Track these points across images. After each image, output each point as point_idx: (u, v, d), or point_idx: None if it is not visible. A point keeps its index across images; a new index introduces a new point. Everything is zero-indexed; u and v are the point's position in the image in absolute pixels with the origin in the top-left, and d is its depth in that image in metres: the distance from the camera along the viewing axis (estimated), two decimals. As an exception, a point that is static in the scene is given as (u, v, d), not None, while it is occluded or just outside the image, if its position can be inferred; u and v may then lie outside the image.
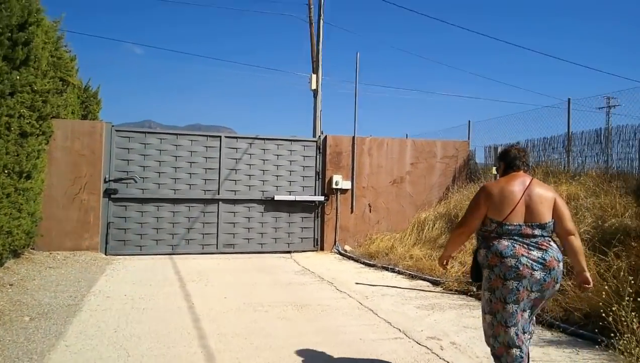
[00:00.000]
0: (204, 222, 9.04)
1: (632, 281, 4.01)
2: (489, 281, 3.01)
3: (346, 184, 9.98)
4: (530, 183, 3.04)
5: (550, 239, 3.00)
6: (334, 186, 9.85)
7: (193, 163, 9.04)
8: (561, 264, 2.97)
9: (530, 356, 3.11)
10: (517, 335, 2.92)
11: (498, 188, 3.05)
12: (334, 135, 10.14)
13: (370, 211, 10.21)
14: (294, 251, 9.58)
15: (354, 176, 10.10)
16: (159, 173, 8.79)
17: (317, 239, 9.84)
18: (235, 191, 9.28)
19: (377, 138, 10.44)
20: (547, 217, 2.96)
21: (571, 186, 7.34)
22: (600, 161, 7.72)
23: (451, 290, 6.25)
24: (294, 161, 9.77)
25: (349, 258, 8.95)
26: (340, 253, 9.47)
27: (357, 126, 10.37)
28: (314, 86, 15.43)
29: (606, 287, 4.54)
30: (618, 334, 3.15)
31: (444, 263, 3.46)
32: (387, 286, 6.59)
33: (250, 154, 9.46)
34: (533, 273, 2.87)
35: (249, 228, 9.32)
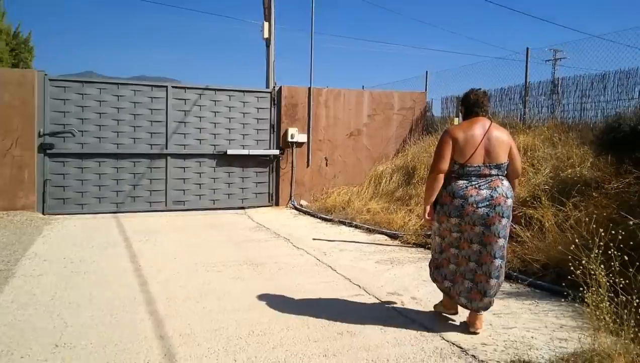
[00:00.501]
0: (151, 178, 8.52)
1: (598, 232, 3.99)
2: (438, 215, 3.42)
3: (302, 138, 9.64)
4: (489, 126, 3.28)
5: (503, 178, 3.32)
6: (289, 139, 9.49)
7: (137, 115, 8.40)
8: (509, 200, 3.27)
9: (492, 303, 3.39)
10: (452, 257, 3.43)
11: (461, 132, 3.28)
12: (289, 86, 9.69)
13: (326, 165, 9.96)
14: (249, 207, 9.27)
15: (310, 129, 9.75)
16: (100, 126, 8.12)
17: (272, 194, 9.54)
18: (184, 145, 8.75)
19: (334, 89, 10.07)
20: (503, 158, 3.28)
21: (527, 137, 7.33)
22: (557, 112, 7.72)
23: (409, 244, 6.18)
24: (248, 113, 9.29)
25: (305, 213, 8.74)
26: (296, 208, 9.24)
27: (313, 77, 9.93)
28: (266, 35, 14.68)
29: (570, 238, 4.55)
30: (584, 287, 3.09)
31: (429, 214, 3.51)
32: (345, 241, 6.43)
33: (200, 106, 8.89)
34: (476, 210, 3.21)
35: (200, 184, 8.89)
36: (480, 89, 3.48)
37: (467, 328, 3.39)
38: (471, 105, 3.39)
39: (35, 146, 7.73)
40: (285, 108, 9.58)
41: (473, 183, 3.24)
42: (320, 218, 8.16)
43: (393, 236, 6.52)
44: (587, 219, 4.89)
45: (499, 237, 3.25)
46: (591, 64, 7.70)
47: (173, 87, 8.72)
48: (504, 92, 8.96)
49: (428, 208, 3.47)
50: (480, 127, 3.27)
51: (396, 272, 4.98)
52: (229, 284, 4.52)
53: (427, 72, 11.03)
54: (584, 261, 2.97)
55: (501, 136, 3.30)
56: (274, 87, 9.68)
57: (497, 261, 3.27)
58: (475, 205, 3.20)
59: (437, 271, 3.60)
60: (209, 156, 8.92)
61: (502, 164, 3.27)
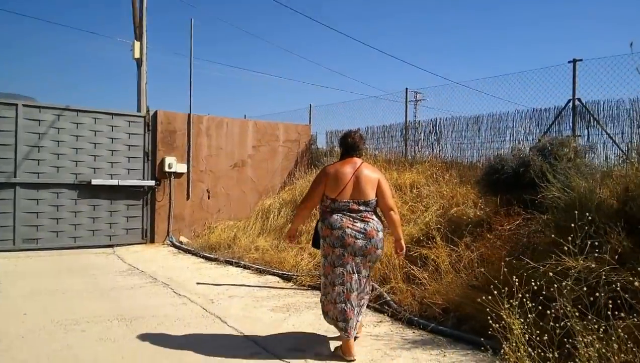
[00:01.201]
0: (-6, 212, 7.07)
1: (501, 275, 3.99)
2: (323, 249, 3.59)
3: (181, 168, 8.85)
4: (359, 166, 3.57)
5: (372, 213, 3.57)
6: (166, 169, 8.65)
7: (-24, 136, 6.97)
8: (380, 233, 3.56)
9: (362, 313, 3.68)
10: (343, 292, 3.49)
11: (334, 169, 3.58)
12: (166, 111, 8.90)
13: (209, 198, 9.26)
14: (118, 245, 8.16)
15: (190, 159, 9.01)
16: None
17: (146, 230, 8.54)
18: (38, 173, 7.45)
19: (216, 117, 9.49)
20: (371, 195, 3.54)
21: (412, 174, 7.50)
22: (437, 150, 8.07)
23: (304, 286, 5.77)
24: (117, 139, 8.27)
25: (186, 251, 7.92)
26: (175, 246, 8.36)
27: (192, 102, 9.26)
28: (137, 55, 13.66)
29: (466, 279, 4.54)
30: (500, 336, 2.98)
31: (291, 237, 3.93)
32: (234, 284, 5.83)
33: (58, 128, 7.69)
34: (356, 241, 3.45)
35: (57, 219, 7.60)
36: (357, 131, 3.84)
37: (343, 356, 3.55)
38: (348, 147, 3.68)
39: None
40: (161, 135, 8.74)
41: (346, 216, 3.49)
42: (204, 257, 7.42)
43: (286, 278, 6.08)
44: (478, 260, 5.04)
45: (372, 264, 3.65)
46: (448, 106, 8.45)
47: (25, 105, 7.44)
48: (386, 129, 9.21)
49: (292, 232, 3.94)
50: (350, 166, 3.56)
51: (294, 322, 4.52)
52: (95, 348, 3.67)
53: (310, 105, 11.02)
54: (500, 312, 2.82)
55: (371, 174, 3.59)
56: (147, 111, 8.81)
57: (368, 286, 3.70)
58: (354, 237, 3.44)
59: (327, 315, 3.66)
60: (69, 187, 7.70)
61: (369, 201, 3.54)
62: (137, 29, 13.57)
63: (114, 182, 8.05)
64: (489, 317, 3.03)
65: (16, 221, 7.21)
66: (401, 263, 5.28)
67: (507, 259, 4.52)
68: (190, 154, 9.01)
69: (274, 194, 9.83)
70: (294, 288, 5.73)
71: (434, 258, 5.13)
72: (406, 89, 8.75)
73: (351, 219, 3.48)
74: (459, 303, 4.44)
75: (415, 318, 4.50)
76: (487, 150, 7.35)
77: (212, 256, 7.33)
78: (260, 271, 6.45)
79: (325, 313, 3.63)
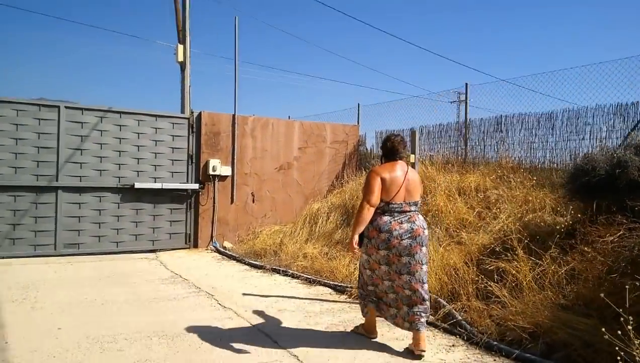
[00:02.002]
0: (36, 216, 6.89)
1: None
2: (366, 248, 3.75)
3: (225, 170, 8.48)
4: (407, 170, 3.77)
5: (418, 213, 3.79)
6: (210, 172, 8.29)
7: (20, 139, 6.80)
8: (426, 231, 3.75)
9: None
10: (388, 288, 3.75)
11: (387, 173, 3.66)
12: (210, 112, 8.55)
13: (253, 201, 8.84)
14: (161, 250, 7.85)
15: (235, 161, 8.63)
16: (-31, 151, 6.42)
17: (189, 234, 8.20)
18: (81, 176, 7.23)
19: (261, 118, 9.08)
20: (418, 196, 3.80)
21: (476, 176, 6.80)
22: (502, 150, 7.32)
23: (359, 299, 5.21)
24: (161, 141, 7.98)
25: (230, 257, 7.51)
26: (219, 251, 7.97)
27: (237, 103, 8.88)
28: (180, 58, 13.56)
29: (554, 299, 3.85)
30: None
31: (354, 244, 3.72)
32: (282, 296, 5.33)
33: (101, 130, 7.45)
34: (401, 242, 3.61)
35: (100, 223, 7.35)
36: (398, 135, 3.89)
37: (413, 351, 3.64)
38: (389, 151, 3.79)
39: None
40: (205, 137, 8.40)
41: (395, 218, 3.64)
42: (249, 264, 6.97)
43: (339, 290, 5.53)
44: (568, 276, 4.33)
45: (423, 264, 3.68)
46: (494, 106, 7.81)
47: (67, 107, 7.23)
48: (443, 128, 8.52)
49: (356, 237, 3.69)
50: (400, 169, 3.72)
51: (354, 343, 3.97)
52: (133, 375, 3.24)
53: (358, 104, 10.44)
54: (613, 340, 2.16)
55: (416, 177, 3.85)
56: (192, 112, 8.48)
57: (425, 285, 3.70)
58: (399, 238, 3.60)
59: (371, 303, 3.90)
60: (112, 190, 7.45)
61: (417, 201, 3.78)
62: (180, 32, 13.48)
63: (158, 185, 7.75)
64: (588, 344, 2.39)
65: (58, 225, 7.00)
66: (473, 276, 4.64)
67: (609, 276, 3.82)
68: (235, 157, 8.63)
69: (321, 198, 9.32)
70: (349, 302, 5.17)
71: (514, 272, 4.45)
72: (466, 84, 8.04)
73: (399, 221, 3.63)
74: (548, 327, 3.76)
75: (495, 343, 3.84)
76: (562, 150, 6.56)
77: (257, 263, 6.87)
78: (310, 282, 5.93)
79: (365, 297, 3.91)
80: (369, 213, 3.61)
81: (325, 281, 5.82)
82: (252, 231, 8.64)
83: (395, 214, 3.63)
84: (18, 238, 6.76)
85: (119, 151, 7.55)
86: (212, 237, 8.35)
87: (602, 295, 3.74)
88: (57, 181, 6.99)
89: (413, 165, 5.22)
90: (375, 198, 3.59)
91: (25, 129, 6.83)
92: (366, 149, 10.16)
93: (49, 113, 7.01)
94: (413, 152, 5.21)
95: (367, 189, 3.64)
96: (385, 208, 3.63)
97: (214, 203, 8.40)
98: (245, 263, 7.05)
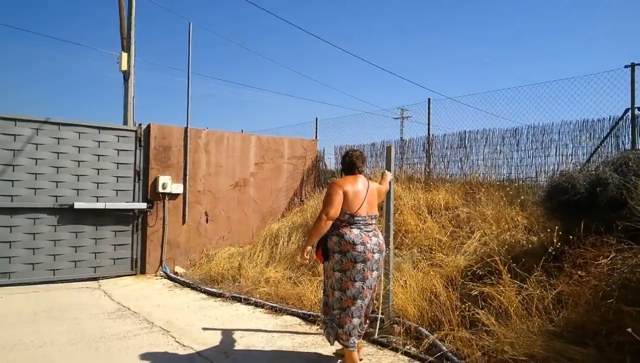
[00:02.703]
0: (-44, 243, 5.96)
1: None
2: (340, 264, 3.59)
3: (177, 188, 7.85)
4: (369, 183, 3.80)
5: (376, 226, 3.82)
6: (160, 189, 7.64)
7: (-63, 153, 5.89)
8: (384, 245, 3.83)
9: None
10: (362, 306, 3.63)
11: (349, 186, 3.64)
12: (160, 124, 7.92)
13: (207, 222, 8.24)
14: (104, 277, 7.09)
15: (187, 178, 8.02)
16: None
17: (136, 259, 7.47)
18: (12, 196, 6.38)
19: (216, 132, 8.54)
20: (377, 209, 3.84)
21: (443, 193, 6.63)
22: (466, 167, 7.22)
23: (334, 330, 4.80)
24: (105, 156, 7.26)
25: (184, 284, 6.87)
26: (170, 278, 7.30)
27: (190, 115, 8.29)
28: (124, 67, 12.81)
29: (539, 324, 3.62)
30: None
31: (305, 254, 3.72)
32: (248, 329, 4.82)
33: (36, 144, 6.66)
34: (373, 255, 3.61)
35: (34, 249, 6.51)
36: (356, 151, 3.93)
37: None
38: (348, 166, 3.83)
39: None
40: (155, 151, 7.75)
41: (363, 231, 3.62)
42: (206, 292, 6.37)
43: (309, 319, 5.08)
44: (555, 300, 4.15)
45: (378, 279, 3.85)
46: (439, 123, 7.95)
47: (-2, 117, 6.37)
48: (406, 144, 8.35)
49: (309, 247, 3.71)
50: (362, 183, 3.74)
51: (338, 385, 3.56)
52: None
53: (317, 118, 10.15)
54: None
55: (375, 188, 3.86)
56: (139, 125, 7.81)
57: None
58: (372, 251, 3.60)
59: (342, 328, 3.62)
60: (48, 211, 6.64)
61: (376, 215, 3.81)
62: (125, 40, 12.73)
63: (100, 205, 7.00)
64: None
65: (-16, 252, 6.11)
66: (456, 302, 4.36)
67: (603, 301, 3.65)
68: (187, 173, 8.02)
69: (279, 217, 8.88)
70: (321, 333, 4.75)
71: (499, 297, 4.22)
72: (429, 99, 7.93)
73: (367, 234, 3.62)
74: (543, 358, 3.53)
75: (489, 378, 3.57)
76: (527, 166, 6.52)
77: (215, 290, 6.30)
78: (275, 310, 5.45)
79: (341, 326, 3.60)
80: (325, 225, 3.57)
81: (293, 309, 5.37)
82: (206, 254, 8.03)
83: (362, 226, 3.63)
84: None
85: (57, 167, 6.76)
86: (161, 262, 7.66)
87: (595, 320, 3.58)
88: (-18, 201, 6.12)
89: (389, 183, 4.93)
90: (334, 210, 3.54)
91: (-57, 143, 5.95)
92: (325, 165, 9.83)
93: (-26, 125, 6.15)
94: (389, 168, 4.91)
95: (328, 200, 3.59)
96: (351, 221, 3.61)
97: (163, 223, 7.73)
98: (201, 291, 6.45)
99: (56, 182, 6.73)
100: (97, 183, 7.13)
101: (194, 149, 8.17)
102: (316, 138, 10.03)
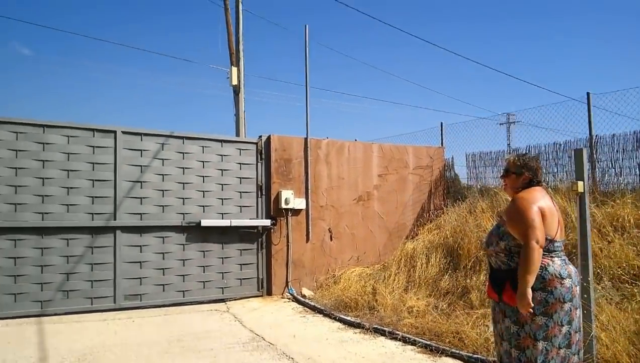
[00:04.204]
0: (92, 263, 5.85)
1: None
2: (545, 305, 2.76)
3: (299, 203, 7.33)
4: (552, 198, 2.99)
5: None
6: (282, 205, 7.16)
7: (72, 171, 5.84)
8: None
9: None
10: (568, 356, 2.80)
11: (542, 202, 2.85)
12: (280, 135, 7.46)
13: (331, 239, 7.63)
14: (231, 299, 6.71)
15: (309, 192, 7.48)
16: (15, 186, 5.48)
17: (262, 279, 7.03)
18: (141, 214, 6.19)
19: (336, 141, 7.94)
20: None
21: (630, 208, 5.38)
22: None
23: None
24: (227, 170, 6.92)
25: (314, 309, 6.27)
26: (297, 301, 6.75)
27: (309, 124, 7.77)
28: (234, 81, 12.85)
29: None
30: None
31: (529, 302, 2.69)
32: (408, 376, 4.03)
33: (162, 159, 6.45)
34: (577, 288, 2.86)
35: (163, 269, 6.27)
36: (525, 153, 3.18)
37: None
38: (535, 173, 3.01)
39: None
40: (276, 164, 7.30)
41: (563, 260, 2.85)
42: (342, 320, 5.69)
43: (478, 365, 4.18)
44: None
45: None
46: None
47: (124, 133, 6.24)
48: (559, 147, 7.12)
49: (529, 290, 2.70)
50: (548, 198, 2.94)
51: None
52: None
53: (442, 123, 9.19)
54: None
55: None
56: (260, 137, 7.41)
57: None
58: (576, 285, 2.85)
59: None
60: (176, 229, 6.38)
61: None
62: (234, 55, 12.77)
63: (226, 222, 6.65)
64: None
65: (117, 273, 5.94)
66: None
67: None
68: (309, 187, 7.48)
69: (407, 234, 8.04)
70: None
71: None
72: (588, 93, 6.68)
73: (567, 263, 2.87)
74: None
75: None
76: None
77: (352, 319, 5.59)
78: (431, 350, 4.60)
79: None
80: (539, 256, 2.71)
81: (454, 350, 4.48)
82: (332, 274, 7.41)
83: (560, 254, 2.87)
84: (72, 289, 5.70)
85: (183, 184, 6.51)
86: (287, 282, 7.15)
87: None
88: (114, 219, 5.97)
89: (584, 196, 3.91)
90: (542, 234, 2.73)
91: (77, 159, 5.87)
92: (454, 174, 8.84)
93: (104, 139, 6.05)
94: (580, 178, 3.89)
95: (529, 223, 2.73)
96: (550, 248, 2.81)
97: (287, 241, 7.23)
98: (336, 319, 5.78)
99: (183, 199, 6.47)
100: (222, 199, 6.79)
101: (314, 160, 7.62)
102: (442, 144, 9.08)
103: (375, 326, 5.28)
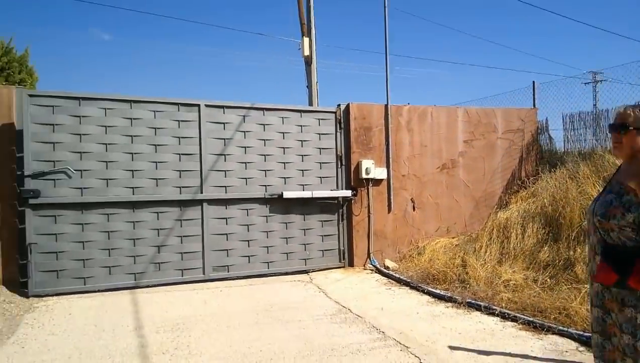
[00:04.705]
0: (181, 235, 6.00)
1: None
2: None
3: (380, 173, 7.08)
4: None
5: None
6: (363, 175, 6.95)
7: (159, 145, 5.96)
8: None
9: None
10: None
11: None
12: (359, 103, 7.19)
13: (414, 209, 7.33)
14: (314, 271, 6.68)
15: (390, 161, 7.19)
16: (106, 162, 5.68)
17: (343, 251, 6.93)
18: (226, 186, 6.25)
19: (418, 107, 7.53)
20: None
21: None
22: None
23: None
24: (307, 141, 6.79)
25: (400, 281, 6.07)
26: (380, 272, 6.59)
27: (389, 91, 7.41)
28: (306, 52, 12.61)
29: None
30: None
31: None
32: (509, 354, 3.74)
33: (244, 131, 6.43)
34: None
35: (248, 241, 6.33)
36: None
37: None
38: None
39: (12, 193, 5.33)
40: (355, 133, 7.06)
41: None
42: (429, 293, 5.45)
43: (587, 343, 3.79)
44: None
45: None
46: None
47: (207, 105, 6.25)
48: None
49: None
50: None
51: None
52: None
53: (534, 82, 8.42)
54: None
55: None
56: (338, 105, 7.17)
57: None
58: None
59: None
60: (259, 201, 6.39)
61: None
62: (304, 26, 12.52)
63: (307, 194, 6.57)
64: None
65: (205, 245, 6.08)
66: None
67: None
68: (390, 155, 7.19)
69: (497, 203, 7.55)
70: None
71: None
72: None
73: None
74: None
75: None
76: None
77: (443, 293, 5.33)
78: (535, 327, 4.24)
79: None
80: None
81: (561, 327, 4.10)
82: (415, 245, 7.14)
83: None
84: (164, 262, 5.91)
85: (264, 155, 6.48)
86: (369, 254, 6.99)
87: None
88: (201, 193, 6.07)
89: None
90: None
91: (164, 134, 5.98)
92: (550, 138, 8.13)
93: (189, 113, 6.11)
94: None
95: None
96: None
97: (368, 212, 7.04)
98: (424, 292, 5.54)
99: (264, 171, 6.45)
100: (302, 170, 6.70)
101: (395, 128, 7.29)
102: (534, 105, 8.36)
103: (469, 300, 4.99)
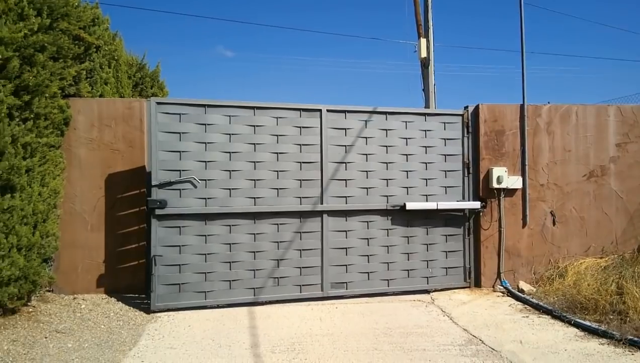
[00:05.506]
0: (300, 249, 5.85)
1: None
2: None
3: (514, 182, 6.35)
4: None
5: None
6: (494, 184, 6.28)
7: (281, 153, 5.87)
8: None
9: None
10: None
11: None
12: (489, 104, 6.51)
13: (554, 224, 6.49)
14: (436, 290, 6.19)
15: (526, 168, 6.42)
16: (229, 171, 5.70)
17: (469, 269, 6.34)
18: (346, 197, 6.00)
19: (560, 106, 6.64)
20: None
21: None
22: None
23: None
24: (431, 147, 6.31)
25: (538, 308, 5.36)
26: (514, 296, 5.91)
27: (526, 89, 6.63)
28: (423, 54, 12.07)
29: None
30: None
31: None
32: None
33: (365, 138, 6.12)
34: None
35: (368, 256, 6.02)
36: None
37: None
38: None
39: (143, 204, 5.62)
40: (485, 138, 6.41)
41: None
42: (579, 326, 4.70)
43: None
44: None
45: None
46: None
47: (329, 111, 6.00)
48: None
49: None
50: None
51: None
52: None
53: None
54: None
55: None
56: (466, 107, 6.57)
57: None
58: None
59: None
60: (380, 213, 6.06)
61: None
62: (421, 27, 11.99)
63: (432, 205, 6.09)
64: None
65: (324, 259, 5.88)
66: None
67: None
68: (526, 162, 6.42)
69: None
70: None
71: None
72: None
73: None
74: None
75: None
76: None
77: (596, 327, 4.55)
78: None
79: None
80: None
81: None
82: (554, 266, 6.31)
83: None
84: (282, 276, 5.78)
85: (386, 163, 6.13)
86: (499, 273, 6.32)
87: None
88: (321, 203, 5.89)
89: None
90: None
91: (285, 141, 5.88)
92: None
93: (310, 119, 5.95)
94: None
95: None
96: None
97: (499, 226, 6.36)
98: (570, 323, 4.80)
99: (386, 180, 6.10)
100: (426, 179, 6.24)
101: (532, 131, 6.50)
102: None
103: (630, 337, 4.20)
